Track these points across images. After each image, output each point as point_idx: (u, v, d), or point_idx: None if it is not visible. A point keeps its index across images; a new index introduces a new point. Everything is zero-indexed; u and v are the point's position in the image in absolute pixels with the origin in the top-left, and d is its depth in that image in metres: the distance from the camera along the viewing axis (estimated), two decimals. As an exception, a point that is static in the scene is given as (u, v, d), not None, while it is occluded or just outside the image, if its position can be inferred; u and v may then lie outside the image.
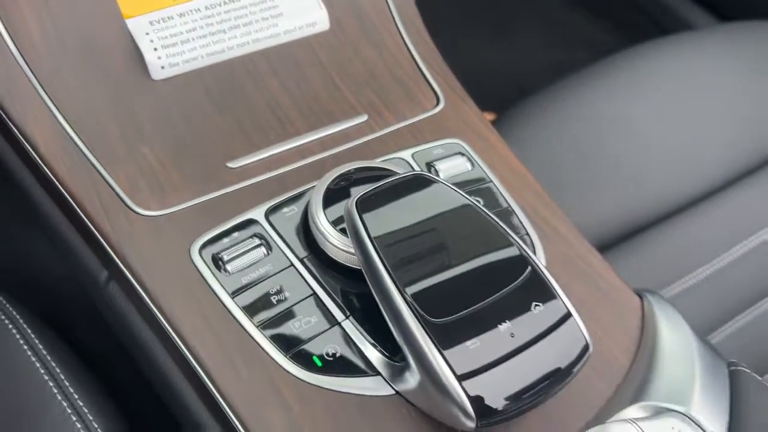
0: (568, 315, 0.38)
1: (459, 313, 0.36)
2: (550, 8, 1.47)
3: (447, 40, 0.65)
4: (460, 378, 0.35)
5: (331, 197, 0.44)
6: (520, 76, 1.32)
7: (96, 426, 0.45)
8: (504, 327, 0.36)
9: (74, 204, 0.44)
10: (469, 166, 0.51)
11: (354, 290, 0.43)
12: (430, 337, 0.36)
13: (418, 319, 0.36)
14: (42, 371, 0.48)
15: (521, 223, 0.48)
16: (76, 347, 0.54)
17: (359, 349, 0.40)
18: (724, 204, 0.80)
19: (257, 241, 0.44)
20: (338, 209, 0.43)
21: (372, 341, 0.40)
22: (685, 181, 0.80)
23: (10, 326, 0.51)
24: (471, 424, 0.35)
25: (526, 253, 0.40)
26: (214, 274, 0.42)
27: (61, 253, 0.49)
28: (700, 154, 0.81)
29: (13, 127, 0.45)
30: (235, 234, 0.44)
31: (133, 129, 0.47)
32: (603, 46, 1.36)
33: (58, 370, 0.47)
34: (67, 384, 0.47)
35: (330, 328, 0.41)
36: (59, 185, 0.44)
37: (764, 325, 0.74)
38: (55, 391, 0.47)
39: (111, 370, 0.54)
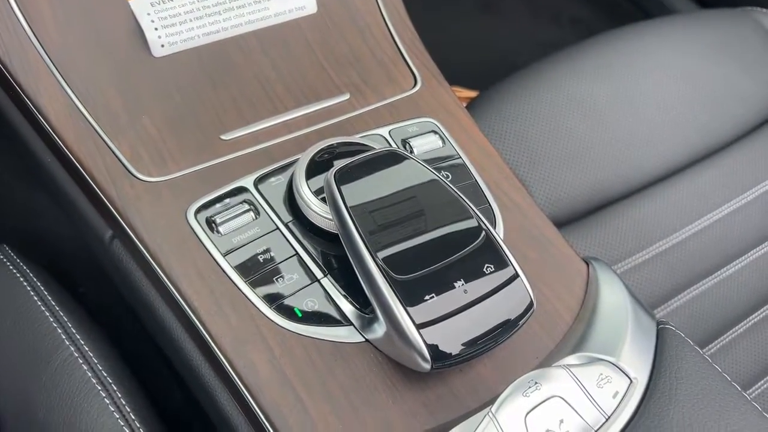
0: (516, 276, 0.43)
1: (420, 271, 0.42)
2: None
3: (434, 17, 0.68)
4: (419, 327, 0.40)
5: (314, 169, 0.49)
6: (505, 52, 1.36)
7: (101, 368, 0.50)
8: (459, 285, 0.42)
9: (82, 170, 0.49)
10: (440, 143, 0.56)
11: (332, 252, 0.48)
12: (394, 292, 0.41)
13: (385, 277, 0.42)
14: (51, 319, 0.53)
15: (485, 196, 0.54)
16: (80, 300, 0.59)
17: (335, 302, 0.46)
18: (685, 183, 0.86)
19: (246, 207, 0.49)
20: (320, 180, 0.48)
21: (346, 296, 0.46)
22: (649, 159, 0.85)
23: (20, 277, 0.56)
24: (427, 367, 0.40)
25: (482, 222, 0.45)
26: (207, 235, 0.48)
27: (68, 214, 0.55)
28: (665, 136, 0.86)
29: (26, 99, 0.50)
30: (227, 200, 0.49)
31: (135, 102, 0.52)
32: (591, 25, 1.41)
33: (65, 318, 0.53)
34: (74, 331, 0.52)
35: (310, 284, 0.47)
36: (68, 153, 0.49)
37: (715, 297, 0.81)
38: (63, 337, 0.52)
39: (113, 321, 0.59)
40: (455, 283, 0.42)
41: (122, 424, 0.48)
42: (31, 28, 0.50)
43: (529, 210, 0.54)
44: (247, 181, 0.50)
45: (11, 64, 0.49)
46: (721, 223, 0.86)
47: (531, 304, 0.43)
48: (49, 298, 0.54)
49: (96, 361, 0.51)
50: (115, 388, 0.50)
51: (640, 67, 0.88)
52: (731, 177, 0.90)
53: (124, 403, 0.49)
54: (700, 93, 0.90)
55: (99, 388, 0.49)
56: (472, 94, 1.07)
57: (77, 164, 0.49)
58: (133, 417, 0.48)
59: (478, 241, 0.44)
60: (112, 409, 0.48)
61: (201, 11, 0.55)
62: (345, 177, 0.46)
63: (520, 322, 0.43)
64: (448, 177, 0.54)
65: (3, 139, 0.59)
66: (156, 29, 0.54)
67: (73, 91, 0.50)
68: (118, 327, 0.59)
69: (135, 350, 0.59)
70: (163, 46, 0.54)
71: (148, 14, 0.54)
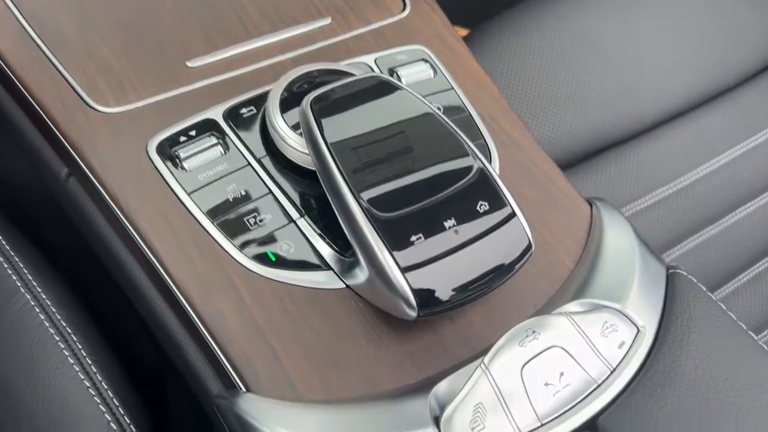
0: (513, 215, 0.39)
1: (406, 209, 0.38)
2: None
3: None
4: (404, 270, 0.36)
5: (291, 99, 0.44)
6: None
7: (59, 318, 0.46)
8: (449, 224, 0.38)
9: (34, 102, 0.44)
10: (431, 73, 0.51)
11: (309, 191, 0.44)
12: (376, 231, 0.37)
13: (367, 215, 0.37)
14: (5, 265, 0.49)
15: (479, 130, 0.49)
16: (41, 244, 0.55)
17: (312, 245, 0.42)
18: (692, 124, 0.81)
19: (214, 140, 0.44)
20: (297, 113, 0.43)
21: (325, 238, 0.42)
22: (654, 100, 0.81)
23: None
24: (412, 314, 0.36)
25: (475, 155, 0.40)
26: (170, 171, 0.43)
27: (23, 152, 0.50)
28: (672, 74, 0.81)
29: None
30: (193, 133, 0.44)
31: (92, 28, 0.47)
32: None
33: (21, 264, 0.48)
34: (30, 278, 0.48)
35: (285, 225, 0.42)
36: (19, 84, 0.44)
37: (721, 244, 0.77)
38: (19, 284, 0.48)
39: (74, 265, 0.55)
40: (445, 223, 0.38)
41: (82, 377, 0.44)
42: None
43: (528, 146, 0.49)
44: (216, 113, 0.45)
45: None
46: (728, 168, 0.82)
47: (529, 246, 0.39)
48: (4, 242, 0.50)
49: (54, 310, 0.47)
50: (75, 339, 0.46)
51: (646, 4, 0.82)
52: (738, 120, 0.86)
53: (84, 354, 0.45)
54: (707, 33, 0.85)
55: (57, 338, 0.45)
56: (463, 32, 1.01)
57: (28, 96, 0.44)
58: (94, 369, 0.45)
59: (471, 176, 0.39)
60: (72, 361, 0.45)
61: None
62: (323, 105, 0.41)
63: (517, 266, 0.39)
64: (439, 109, 0.48)
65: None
66: (112, -58, 0.48)
67: (24, 18, 0.45)
68: (80, 272, 0.55)
69: (100, 297, 0.55)
70: (120, -37, 0.48)
71: (103, -75, 0.48)
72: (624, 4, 0.81)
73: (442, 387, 0.37)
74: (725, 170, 0.81)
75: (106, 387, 0.44)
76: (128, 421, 0.43)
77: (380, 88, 0.42)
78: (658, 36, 0.80)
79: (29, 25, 0.46)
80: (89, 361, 0.45)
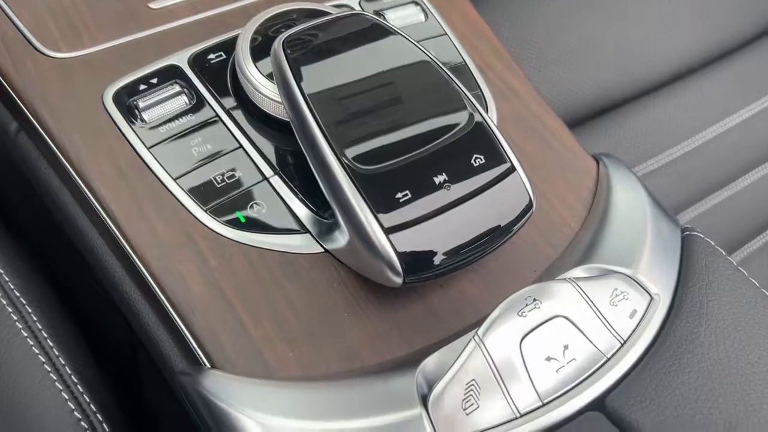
0: (512, 169, 0.35)
1: (390, 162, 0.33)
2: None
3: None
4: (388, 231, 0.32)
5: (264, 44, 0.39)
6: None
7: (12, 287, 0.42)
8: (439, 179, 0.33)
9: None
10: (422, 17, 0.46)
11: (285, 145, 0.39)
12: (357, 188, 0.32)
13: (346, 170, 0.33)
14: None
15: (475, 79, 0.44)
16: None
17: (287, 205, 0.37)
18: (699, 85, 0.77)
19: (178, 89, 0.39)
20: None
21: (301, 197, 0.37)
22: (660, 60, 0.76)
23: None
24: (398, 280, 0.32)
25: (471, 103, 0.36)
26: (128, 123, 0.38)
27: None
28: (677, 34, 0.76)
29: None
30: (154, 81, 0.40)
31: (38, -41, 0.42)
32: None
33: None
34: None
35: (257, 183, 0.38)
36: None
37: (735, 206, 0.73)
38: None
39: (39, 234, 0.51)
40: (435, 178, 0.33)
41: (37, 351, 0.40)
42: None
43: (528, 97, 0.45)
44: (180, 58, 0.41)
45: None
46: (738, 129, 0.77)
47: (529, 205, 0.35)
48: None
49: (7, 279, 0.42)
50: (29, 310, 0.41)
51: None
52: (748, 80, 0.81)
53: (40, 327, 0.41)
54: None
55: (10, 309, 0.41)
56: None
57: None
58: (50, 344, 0.40)
59: (464, 125, 0.35)
60: (26, 335, 0.40)
61: None
62: (298, 49, 0.36)
63: (516, 227, 0.34)
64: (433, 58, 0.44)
65: None
66: None
67: None
68: (45, 241, 0.51)
69: (66, 268, 0.51)
70: None
71: None
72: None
73: (430, 362, 0.33)
74: (735, 132, 0.77)
75: (63, 363, 0.40)
76: (87, 400, 0.39)
77: (363, 29, 0.38)
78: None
79: None
80: (45, 335, 0.41)
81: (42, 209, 0.45)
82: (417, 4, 0.47)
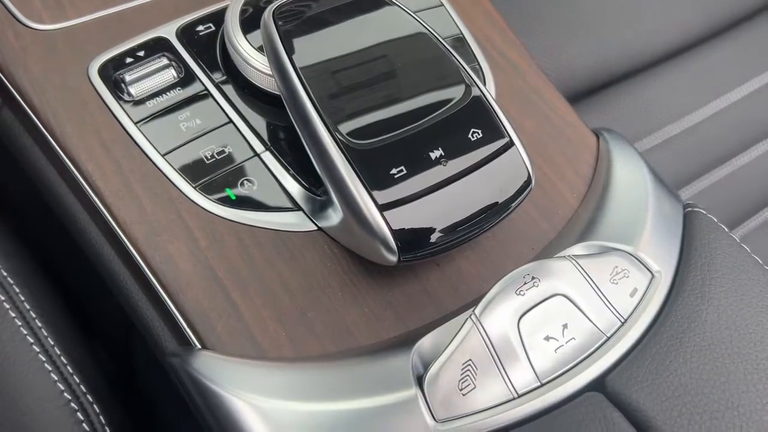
0: (510, 144, 0.33)
1: (384, 137, 0.32)
2: None
3: None
4: (382, 208, 0.31)
5: (255, 16, 0.38)
6: None
7: (5, 274, 0.41)
8: (435, 155, 0.32)
9: None
10: (418, -12, 0.45)
11: (276, 120, 0.38)
12: (351, 164, 0.31)
13: (339, 145, 0.32)
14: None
15: (472, 51, 0.43)
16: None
17: (279, 182, 0.36)
18: (699, 59, 0.75)
19: (166, 62, 0.38)
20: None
21: (293, 173, 0.36)
22: (659, 34, 0.74)
23: None
24: (392, 258, 0.31)
25: (468, 76, 0.35)
26: (115, 97, 0.37)
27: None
28: (677, 9, 0.74)
29: None
30: (141, 53, 0.38)
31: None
32: None
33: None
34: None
35: (247, 159, 0.37)
36: None
37: (735, 183, 0.72)
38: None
39: (29, 215, 0.50)
40: (431, 153, 0.32)
41: (25, 332, 0.39)
42: None
43: (527, 70, 0.44)
44: (168, 30, 0.40)
45: None
46: (739, 105, 0.76)
47: (528, 181, 0.34)
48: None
49: (6, 274, 0.41)
50: (17, 290, 0.40)
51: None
52: (748, 55, 0.79)
53: (28, 307, 0.40)
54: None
55: None
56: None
57: None
58: (39, 324, 0.40)
59: (461, 99, 0.33)
60: (14, 315, 0.39)
61: None
62: (290, 20, 0.35)
63: (514, 204, 0.33)
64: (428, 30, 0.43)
65: None
66: None
67: None
68: (36, 224, 0.50)
69: (59, 250, 0.50)
70: None
71: None
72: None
73: (426, 342, 0.32)
74: (736, 107, 0.76)
75: (52, 343, 0.39)
76: (77, 381, 0.39)
77: (366, 6, 0.36)
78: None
79: None
80: (33, 315, 0.40)
81: (31, 188, 0.43)
82: (413, -25, 0.45)
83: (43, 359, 0.39)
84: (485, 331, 0.31)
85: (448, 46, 0.36)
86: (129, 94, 0.37)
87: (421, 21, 0.36)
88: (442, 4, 0.44)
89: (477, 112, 0.34)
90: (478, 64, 0.43)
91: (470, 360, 0.30)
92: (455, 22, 0.44)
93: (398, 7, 0.37)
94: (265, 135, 0.37)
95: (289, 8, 0.35)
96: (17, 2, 0.39)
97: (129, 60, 0.38)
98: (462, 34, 0.44)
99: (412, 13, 0.36)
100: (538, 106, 0.42)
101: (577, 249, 0.35)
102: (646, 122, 0.71)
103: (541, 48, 0.68)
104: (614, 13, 0.72)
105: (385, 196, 0.31)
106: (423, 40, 0.35)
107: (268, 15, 0.35)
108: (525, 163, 0.34)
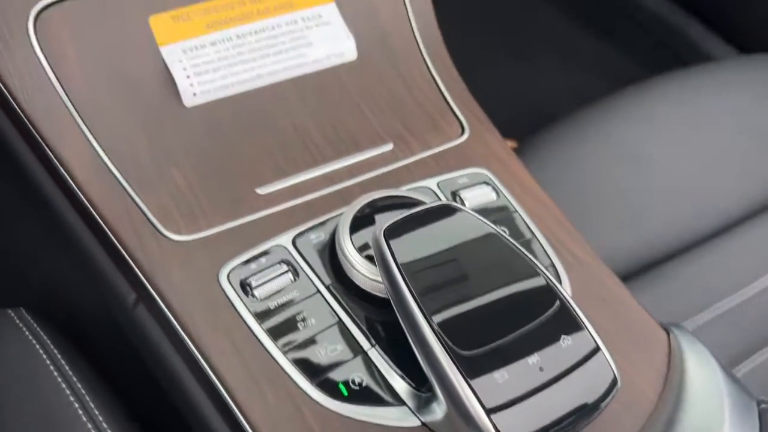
0: (597, 349, 0.38)
1: (487, 344, 0.36)
2: (568, 33, 1.48)
3: (465, 64, 0.65)
4: (489, 411, 0.35)
5: (358, 224, 0.44)
6: (538, 101, 1.32)
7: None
8: (533, 360, 0.36)
9: (107, 229, 0.45)
10: (494, 195, 0.51)
11: (380, 318, 0.43)
12: (458, 369, 0.36)
13: (446, 350, 0.36)
14: (68, 392, 0.48)
15: (546, 252, 0.49)
16: (98, 366, 0.54)
17: (385, 378, 0.41)
18: (745, 237, 0.79)
19: (285, 268, 0.44)
20: (364, 236, 0.43)
21: (398, 371, 0.41)
22: (704, 214, 0.80)
23: (36, 344, 0.51)
24: (497, 457, 0.35)
25: (554, 284, 0.40)
26: (241, 299, 0.43)
27: (88, 274, 0.50)
28: (719, 188, 0.80)
29: (48, 151, 0.46)
30: (263, 260, 0.45)
31: (165, 154, 0.48)
32: (621, 73, 1.37)
33: (83, 391, 0.48)
34: (92, 406, 0.47)
35: (355, 356, 0.41)
36: (92, 209, 0.45)
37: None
38: (81, 412, 0.47)
39: (133, 390, 0.54)
40: (529, 359, 0.36)
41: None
42: (53, 69, 0.46)
43: (596, 267, 0.49)
44: (285, 239, 0.46)
45: (31, 110, 0.46)
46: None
47: (614, 382, 0.37)
48: (67, 368, 0.50)
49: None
50: None
51: (689, 115, 0.83)
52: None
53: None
54: (755, 141, 0.85)
55: None
56: (512, 144, 1.03)
57: (102, 222, 0.45)
58: None
59: (553, 308, 0.38)
60: None
61: (236, 58, 0.52)
62: (395, 233, 0.41)
63: (603, 404, 0.37)
64: (505, 232, 0.48)
65: (24, 197, 0.55)
66: (188, 77, 0.50)
67: (98, 142, 0.46)
68: (142, 399, 0.54)
69: (157, 422, 0.54)
70: (195, 94, 0.50)
71: (180, 61, 0.50)
72: (667, 118, 0.82)
73: None
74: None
75: None
76: None
77: (452, 216, 0.42)
78: (704, 147, 0.81)
79: (104, 152, 0.47)
80: None
81: (145, 374, 0.48)
82: (488, 184, 0.52)
83: None
84: None
85: (530, 256, 0.41)
86: (254, 296, 0.43)
87: (507, 239, 0.41)
88: (516, 211, 0.51)
89: (565, 319, 0.38)
90: (553, 263, 0.48)
91: None
92: (529, 226, 0.50)
93: (485, 223, 0.42)
94: (370, 332, 0.42)
95: (395, 225, 0.42)
96: (160, 216, 0.46)
97: (253, 266, 0.44)
98: (536, 236, 0.50)
99: (499, 231, 0.42)
100: (608, 302, 0.47)
101: (663, 447, 0.38)
102: (696, 299, 0.74)
103: (593, 232, 0.73)
104: (662, 195, 0.78)
105: (492, 399, 0.35)
106: (512, 254, 0.41)
107: (379, 233, 0.41)
108: (611, 366, 0.38)
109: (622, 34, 1.41)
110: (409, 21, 0.58)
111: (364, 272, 0.42)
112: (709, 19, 1.21)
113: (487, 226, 0.42)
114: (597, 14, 1.44)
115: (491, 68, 1.36)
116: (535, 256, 0.44)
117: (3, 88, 0.46)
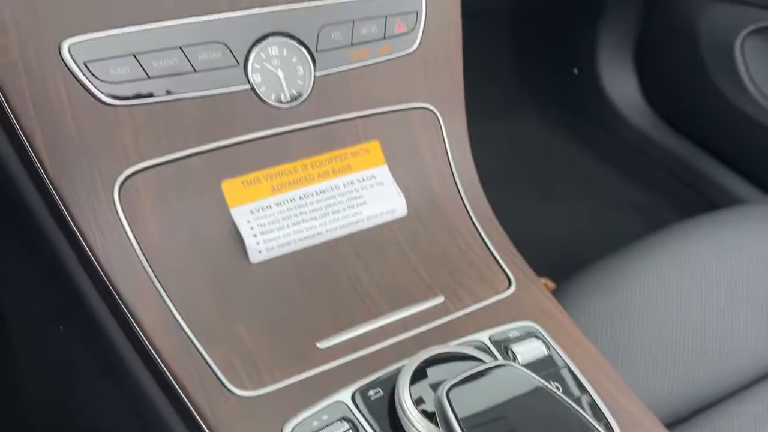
0: None
1: None
2: (592, 171, 1.53)
3: (492, 204, 0.68)
4: None
5: (415, 378, 0.46)
6: (568, 239, 1.36)
7: None
8: None
9: (176, 384, 0.47)
10: (545, 350, 0.53)
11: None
12: None
13: None
14: None
15: (601, 411, 0.49)
16: None
17: None
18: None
19: (346, 426, 0.45)
20: (420, 389, 0.45)
21: None
22: (749, 354, 0.79)
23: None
24: None
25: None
26: None
27: (153, 429, 0.51)
28: (762, 333, 0.81)
29: (125, 309, 0.49)
30: (324, 416, 0.46)
31: (232, 311, 0.51)
32: (651, 211, 1.41)
33: None
34: None
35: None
36: (163, 366, 0.47)
37: None
38: None
39: None
40: None
41: None
42: (135, 238, 0.50)
43: (651, 426, 0.49)
44: (345, 395, 0.47)
45: (114, 274, 0.49)
46: None
47: None
48: None
49: None
50: None
51: (725, 259, 0.85)
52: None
53: None
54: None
55: None
56: (549, 285, 1.06)
57: (171, 378, 0.47)
58: None
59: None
60: None
61: (298, 216, 0.56)
62: (456, 393, 0.42)
63: None
64: (558, 388, 0.50)
65: (95, 353, 0.58)
66: (255, 235, 0.54)
67: (171, 302, 0.50)
68: None
69: None
70: (260, 252, 0.54)
71: (248, 221, 0.54)
72: (704, 262, 0.84)
73: None
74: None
75: None
76: None
77: (508, 374, 0.44)
78: (742, 293, 0.82)
79: (176, 309, 0.50)
80: None
81: None
82: (538, 337, 0.53)
83: None
84: None
85: (580, 410, 0.42)
86: None
87: (564, 399, 0.43)
88: (567, 366, 0.52)
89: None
90: (608, 422, 0.49)
91: None
92: (581, 382, 0.51)
93: (541, 383, 0.44)
94: None
95: (456, 384, 0.43)
96: (226, 372, 0.48)
97: (315, 423, 0.45)
98: (589, 392, 0.50)
99: (555, 391, 0.43)
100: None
101: None
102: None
103: (637, 380, 0.74)
104: (701, 342, 0.78)
105: None
106: (572, 417, 0.42)
107: (442, 393, 0.42)
108: None
109: (642, 172, 1.46)
110: (455, 180, 0.63)
111: (422, 430, 0.43)
112: (734, 163, 1.26)
113: (542, 385, 0.44)
114: (619, 154, 1.50)
115: (517, 206, 1.41)
116: (589, 413, 0.45)
117: (85, 244, 0.50)
